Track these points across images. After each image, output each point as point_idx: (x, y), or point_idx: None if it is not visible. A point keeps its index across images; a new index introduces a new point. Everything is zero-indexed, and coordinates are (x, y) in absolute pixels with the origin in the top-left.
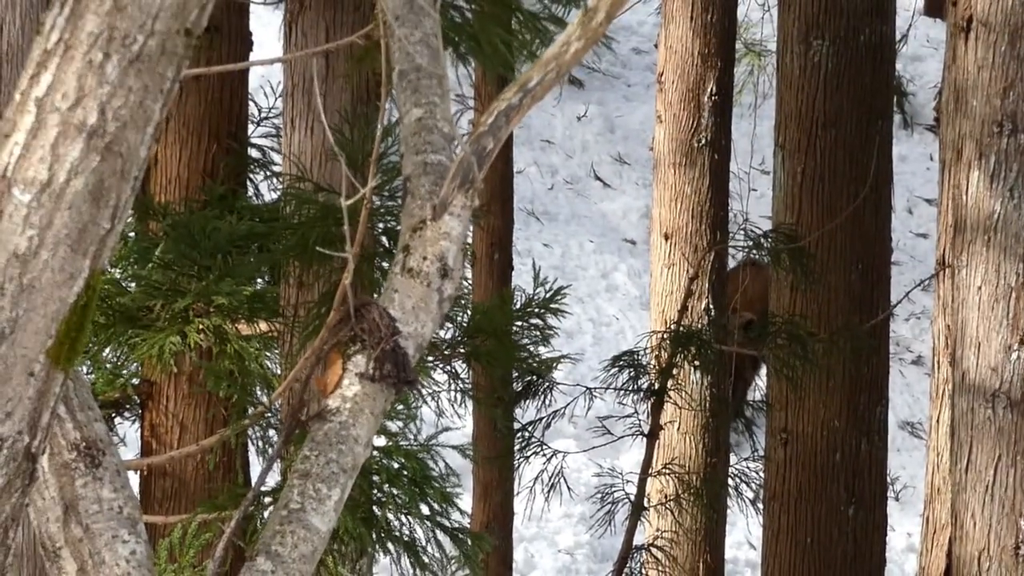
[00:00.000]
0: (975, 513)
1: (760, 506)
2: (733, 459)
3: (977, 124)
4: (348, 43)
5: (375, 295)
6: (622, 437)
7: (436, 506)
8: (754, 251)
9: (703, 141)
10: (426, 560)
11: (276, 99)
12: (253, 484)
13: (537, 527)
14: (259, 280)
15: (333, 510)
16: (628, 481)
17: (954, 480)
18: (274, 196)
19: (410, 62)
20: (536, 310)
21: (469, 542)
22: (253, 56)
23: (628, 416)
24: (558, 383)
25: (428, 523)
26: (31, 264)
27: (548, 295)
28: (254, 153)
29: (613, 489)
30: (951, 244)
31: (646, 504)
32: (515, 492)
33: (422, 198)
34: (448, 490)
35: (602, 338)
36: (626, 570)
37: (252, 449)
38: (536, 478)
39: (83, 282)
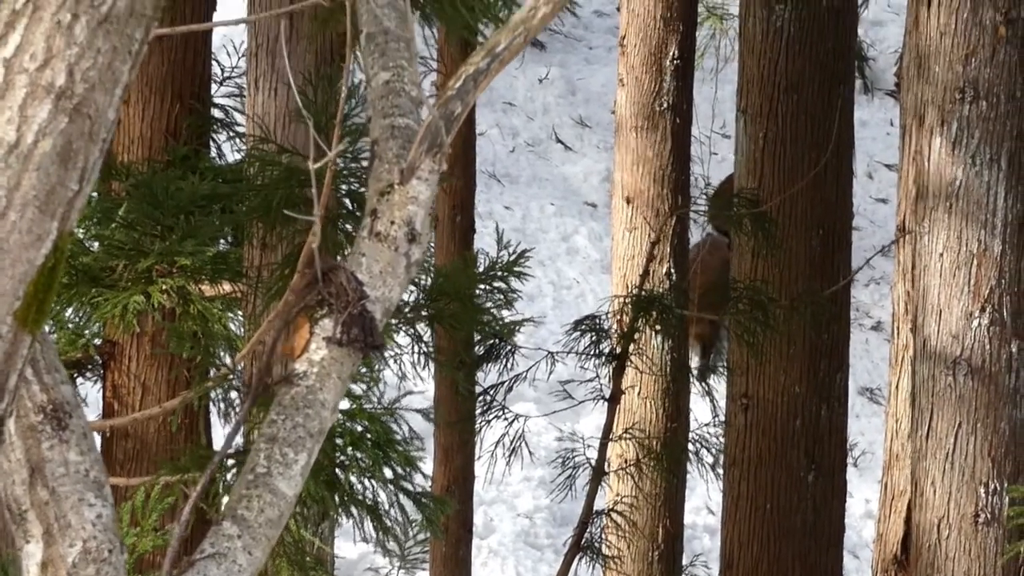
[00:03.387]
0: (935, 480)
1: (720, 471)
2: (693, 424)
3: (939, 90)
4: (312, 4)
5: (338, 258)
6: (583, 401)
7: (400, 469)
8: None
9: (665, 105)
10: (388, 524)
11: (239, 59)
12: (217, 447)
13: (497, 491)
14: (222, 241)
15: (300, 475)
16: (589, 446)
17: (914, 447)
18: (237, 157)
19: (378, 25)
20: (500, 273)
21: (432, 506)
22: (216, 15)
23: (589, 380)
24: (520, 347)
25: (391, 487)
26: None
27: (512, 258)
28: (217, 113)
29: (574, 453)
30: (913, 210)
31: (607, 469)
32: (476, 456)
33: (390, 162)
34: (412, 454)
35: (562, 301)
36: (586, 535)
37: (214, 411)
38: (498, 442)
39: (51, 244)
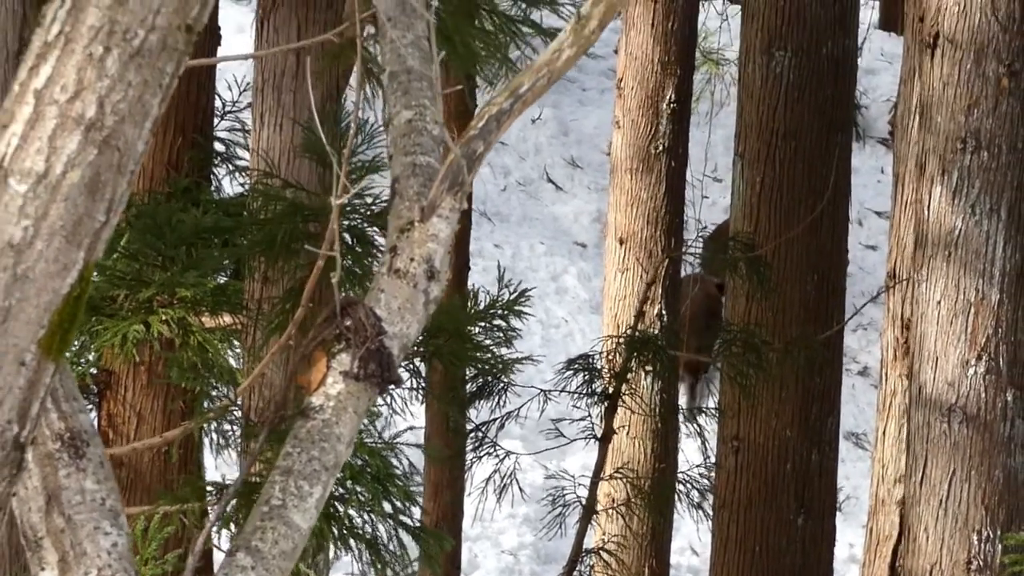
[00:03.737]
0: (928, 527)
1: (707, 511)
2: (684, 465)
3: (941, 140)
4: (321, 41)
5: (342, 290)
6: (575, 440)
7: (399, 504)
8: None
9: (660, 148)
10: (387, 558)
11: (240, 93)
12: (225, 479)
13: (481, 527)
14: (221, 274)
15: (314, 508)
16: (581, 484)
17: (908, 493)
18: (237, 191)
19: (401, 64)
20: (500, 311)
21: (432, 541)
22: (220, 50)
23: (580, 419)
24: (512, 384)
25: (391, 521)
26: (25, 254)
27: (512, 297)
28: (217, 147)
29: (565, 492)
30: (902, 258)
31: (597, 508)
32: (466, 492)
33: (410, 199)
34: (411, 489)
35: (551, 340)
36: (575, 573)
37: (206, 442)
38: (488, 479)
39: (77, 274)
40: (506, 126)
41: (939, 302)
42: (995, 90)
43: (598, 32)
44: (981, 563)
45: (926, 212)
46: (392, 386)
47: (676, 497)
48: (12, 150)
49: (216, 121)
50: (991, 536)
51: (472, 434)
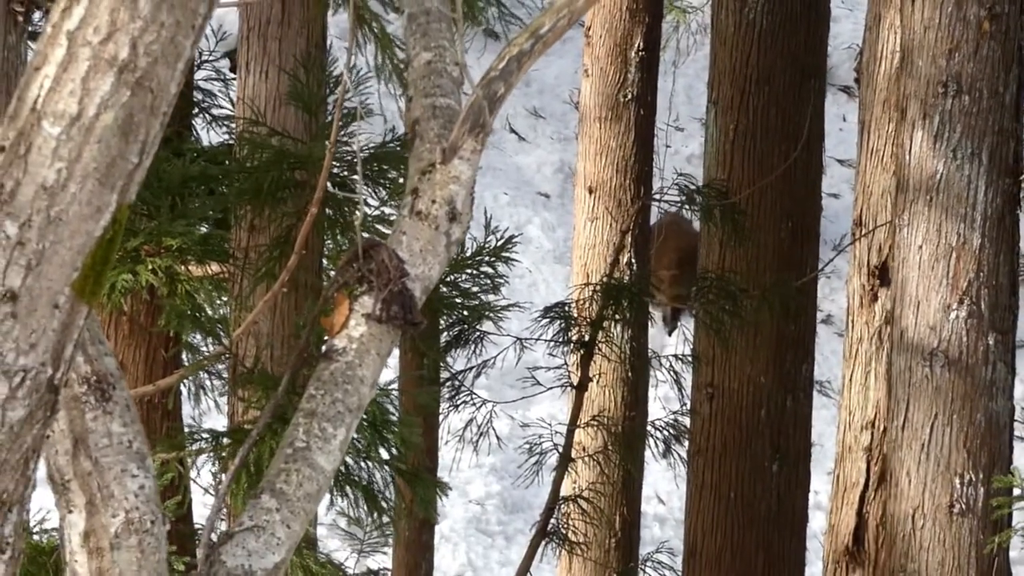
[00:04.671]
0: (910, 471)
1: (682, 456)
2: (660, 412)
3: (922, 84)
4: None
5: (325, 238)
6: (550, 389)
7: (395, 451)
8: (685, 207)
9: (629, 96)
10: (384, 505)
11: (216, 42)
12: (254, 424)
13: (448, 477)
14: (207, 223)
15: (338, 450)
16: (557, 432)
17: (890, 437)
18: (215, 140)
19: (419, 5)
20: (487, 258)
21: (428, 487)
22: None
23: (554, 368)
24: (488, 333)
25: (387, 468)
26: (59, 197)
27: (499, 244)
28: (196, 95)
29: (541, 440)
30: (893, 202)
31: (572, 456)
32: (444, 441)
33: (431, 141)
34: (406, 435)
35: (515, 290)
36: (552, 520)
37: (184, 391)
38: (465, 427)
39: (110, 216)
40: (527, 67)
41: (921, 246)
42: (976, 34)
43: None
44: (963, 506)
45: (907, 156)
46: (414, 328)
47: (647, 445)
48: (45, 92)
49: (194, 69)
50: (973, 480)
51: (448, 383)
